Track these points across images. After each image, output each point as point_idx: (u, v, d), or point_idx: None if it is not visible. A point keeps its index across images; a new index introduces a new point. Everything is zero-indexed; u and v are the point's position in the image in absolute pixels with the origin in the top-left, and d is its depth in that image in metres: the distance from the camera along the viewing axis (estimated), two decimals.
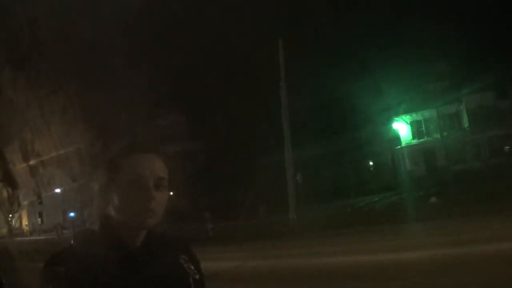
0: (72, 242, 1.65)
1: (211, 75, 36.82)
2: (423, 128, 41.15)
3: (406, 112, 40.39)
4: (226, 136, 37.91)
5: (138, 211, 1.62)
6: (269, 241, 17.66)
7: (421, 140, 41.05)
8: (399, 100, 38.38)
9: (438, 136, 38.80)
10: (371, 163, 44.93)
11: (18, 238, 37.41)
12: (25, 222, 48.14)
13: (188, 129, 38.31)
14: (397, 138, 41.96)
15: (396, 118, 40.87)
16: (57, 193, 40.86)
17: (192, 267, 1.77)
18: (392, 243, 13.93)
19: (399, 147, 41.84)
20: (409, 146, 41.58)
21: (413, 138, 41.63)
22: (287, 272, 11.95)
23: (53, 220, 43.94)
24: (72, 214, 40.81)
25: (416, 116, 41.19)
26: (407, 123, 41.36)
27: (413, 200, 26.20)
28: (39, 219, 49.08)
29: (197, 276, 1.76)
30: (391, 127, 41.70)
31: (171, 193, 1.76)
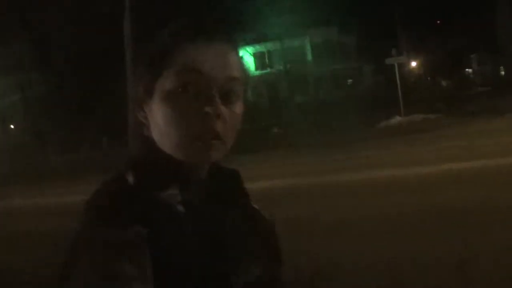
0: (128, 179, 1.04)
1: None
2: (267, 60, 41.76)
3: (249, 43, 39.63)
4: (70, 65, 34.99)
5: (194, 136, 1.03)
6: (109, 173, 16.24)
7: (264, 71, 41.21)
8: (242, 30, 37.61)
9: (282, 68, 39.12)
10: None
11: None
12: None
13: (30, 59, 34.84)
14: None
15: (239, 49, 40.02)
16: None
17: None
18: None
19: None
20: (251, 77, 40.71)
21: (256, 69, 41.49)
22: None
23: None
24: None
25: (260, 48, 41.27)
26: (250, 54, 40.52)
27: (255, 130, 25.44)
28: None
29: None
30: None
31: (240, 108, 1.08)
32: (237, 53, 1.14)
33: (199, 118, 1.03)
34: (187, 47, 1.05)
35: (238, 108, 1.08)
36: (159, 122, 1.06)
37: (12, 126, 38.10)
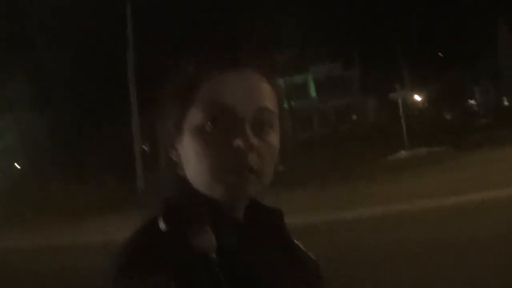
0: (160, 225, 0.98)
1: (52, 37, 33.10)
2: None
3: None
4: (72, 103, 35.30)
5: (227, 171, 0.98)
6: (115, 212, 16.40)
7: None
8: None
9: (286, 105, 38.29)
10: None
11: None
12: None
13: (29, 99, 35.16)
14: None
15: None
16: None
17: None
18: None
19: None
20: None
21: None
22: None
23: None
24: None
25: None
26: None
27: None
28: None
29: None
30: None
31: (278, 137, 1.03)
32: (270, 81, 1.07)
33: (230, 151, 0.97)
34: (212, 79, 1.01)
35: (273, 139, 1.02)
36: (190, 160, 1.01)
37: (18, 166, 37.94)
